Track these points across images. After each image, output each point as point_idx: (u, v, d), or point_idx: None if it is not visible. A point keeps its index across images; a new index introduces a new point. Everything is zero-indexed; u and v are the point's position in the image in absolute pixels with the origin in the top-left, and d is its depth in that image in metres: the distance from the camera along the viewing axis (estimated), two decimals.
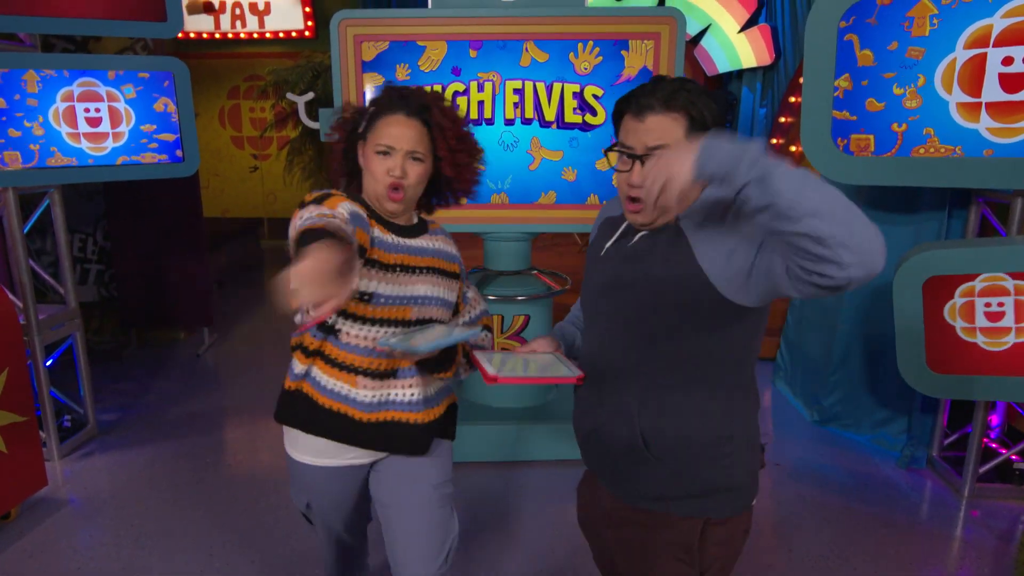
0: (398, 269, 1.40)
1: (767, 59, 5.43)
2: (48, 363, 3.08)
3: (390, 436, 1.45)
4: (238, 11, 7.48)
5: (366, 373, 1.40)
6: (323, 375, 1.43)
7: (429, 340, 1.28)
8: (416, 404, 1.46)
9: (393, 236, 1.43)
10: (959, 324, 2.47)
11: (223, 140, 8.18)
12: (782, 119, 5.53)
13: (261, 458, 3.10)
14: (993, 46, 2.27)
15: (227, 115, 8.12)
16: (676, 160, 0.99)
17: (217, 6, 7.46)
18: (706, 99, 1.16)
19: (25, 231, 2.87)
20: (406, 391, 1.45)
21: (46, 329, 2.96)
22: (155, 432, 3.33)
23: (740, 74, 5.71)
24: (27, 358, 2.66)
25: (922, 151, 2.45)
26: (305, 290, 0.91)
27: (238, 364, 4.39)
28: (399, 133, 1.39)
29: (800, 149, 5.56)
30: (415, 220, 1.53)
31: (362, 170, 1.46)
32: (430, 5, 2.82)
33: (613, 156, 1.23)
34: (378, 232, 1.39)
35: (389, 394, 1.43)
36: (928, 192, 2.90)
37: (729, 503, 1.24)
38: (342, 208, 1.28)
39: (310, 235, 1.05)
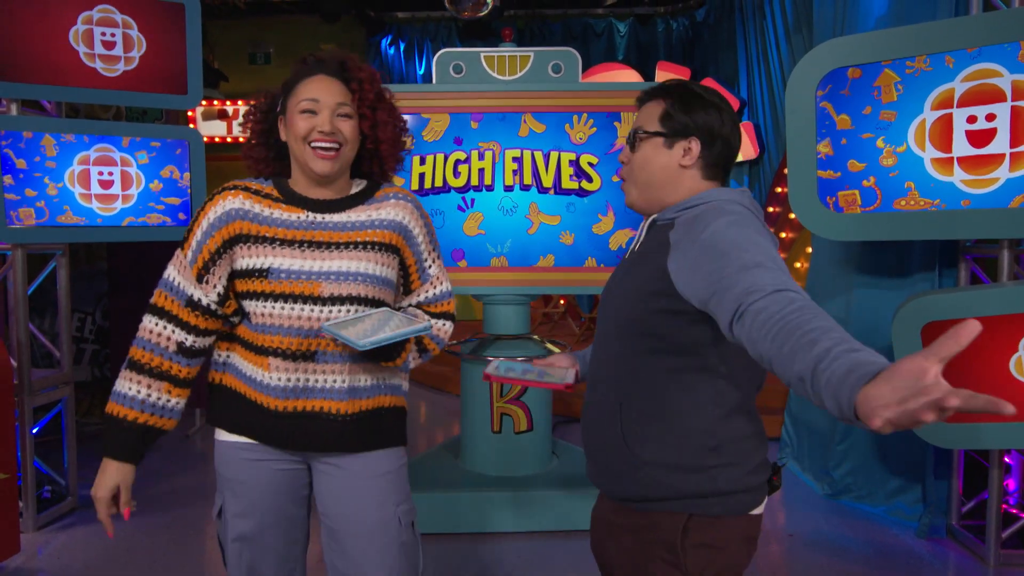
0: (304, 245, 1.32)
1: (752, 154, 5.73)
2: (35, 430, 2.99)
3: (306, 430, 1.33)
4: None
5: (276, 353, 1.31)
6: (241, 360, 1.36)
7: (370, 335, 1.21)
8: (339, 392, 1.34)
9: (308, 214, 1.35)
10: None
11: None
12: (770, 209, 5.75)
13: None
14: (957, 107, 2.44)
15: None
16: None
17: (231, 113, 7.92)
18: (702, 90, 1.25)
19: (29, 292, 2.90)
20: (327, 376, 1.33)
21: (37, 392, 2.91)
22: (137, 506, 3.16)
23: None
24: (15, 419, 2.60)
25: (904, 203, 2.55)
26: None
27: None
28: (322, 87, 1.32)
29: (790, 236, 5.74)
30: (352, 190, 1.41)
31: (288, 148, 1.37)
32: (434, 80, 3.02)
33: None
34: (279, 212, 1.33)
35: (307, 380, 1.32)
36: (918, 253, 2.98)
37: (717, 504, 1.17)
38: (199, 234, 1.32)
39: (112, 430, 1.32)
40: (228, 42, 7.69)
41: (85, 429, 4.23)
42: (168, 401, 1.33)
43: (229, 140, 7.97)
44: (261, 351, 1.32)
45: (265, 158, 1.41)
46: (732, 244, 1.05)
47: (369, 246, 1.36)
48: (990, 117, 2.37)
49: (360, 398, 1.36)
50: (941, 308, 2.41)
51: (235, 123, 7.96)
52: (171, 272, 1.35)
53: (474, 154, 2.98)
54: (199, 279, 1.32)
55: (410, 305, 1.48)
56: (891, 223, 2.58)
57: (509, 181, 3.00)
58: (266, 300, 1.30)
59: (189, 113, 7.74)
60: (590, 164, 2.98)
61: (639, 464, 1.20)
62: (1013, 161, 2.37)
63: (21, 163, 2.73)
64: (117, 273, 4.32)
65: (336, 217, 1.36)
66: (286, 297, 1.30)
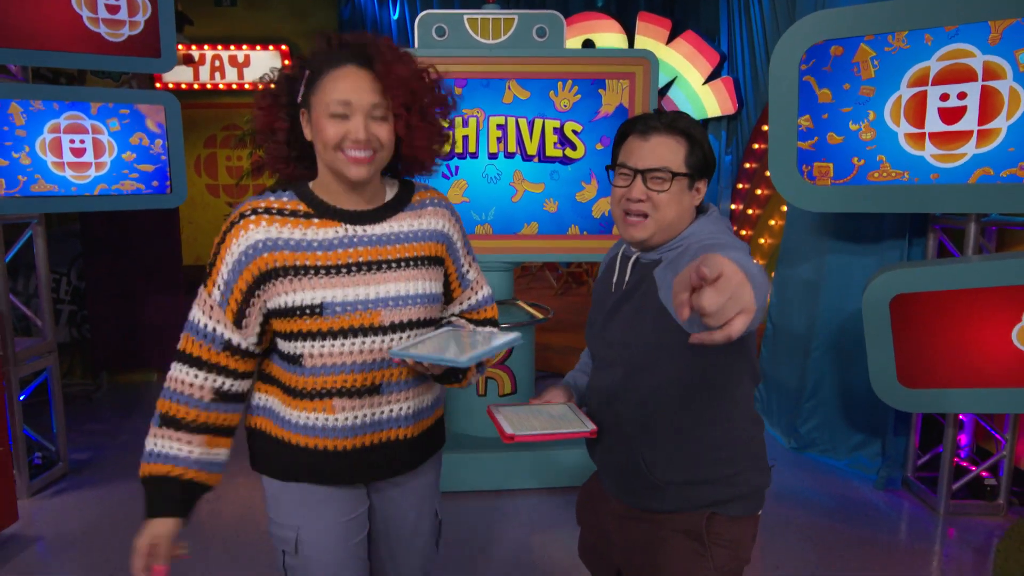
0: (353, 269, 1.19)
1: (731, 109, 5.74)
2: (21, 397, 3.00)
3: (373, 462, 1.28)
4: (217, 63, 7.64)
5: (340, 394, 1.21)
6: (288, 409, 1.24)
7: (459, 352, 1.14)
8: (406, 419, 1.29)
9: (346, 227, 1.21)
10: None
11: (198, 188, 8.19)
12: (747, 165, 5.80)
13: (240, 493, 3.03)
14: (931, 84, 2.50)
15: (203, 164, 8.16)
16: (749, 297, 0.84)
17: (197, 59, 7.61)
18: (703, 128, 1.28)
19: (6, 261, 2.85)
20: (394, 406, 1.27)
21: (21, 362, 2.91)
22: (128, 470, 3.24)
23: (706, 123, 6.00)
24: (3, 389, 2.61)
25: (876, 175, 2.63)
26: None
27: None
28: (353, 86, 1.13)
29: (765, 192, 5.83)
30: (388, 197, 1.27)
31: (312, 147, 1.21)
32: (416, 46, 2.96)
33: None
34: (314, 232, 1.19)
35: (374, 414, 1.25)
36: (889, 222, 3.08)
37: (735, 506, 1.28)
38: (224, 271, 1.18)
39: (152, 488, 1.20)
40: None
41: (67, 390, 4.24)
42: (214, 455, 1.22)
43: (196, 87, 7.68)
44: (322, 395, 1.22)
45: (287, 157, 1.24)
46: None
47: (418, 262, 1.26)
48: (962, 95, 2.44)
49: (423, 419, 1.34)
50: (909, 281, 2.52)
51: (201, 68, 7.67)
52: (198, 315, 1.21)
53: (458, 121, 2.95)
54: (237, 323, 1.19)
55: (452, 315, 1.40)
56: (864, 196, 2.66)
57: (493, 148, 2.99)
58: (323, 339, 1.18)
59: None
60: (574, 132, 2.98)
61: (662, 484, 1.27)
62: (980, 138, 2.45)
63: None
64: (92, 235, 4.24)
65: (377, 229, 1.23)
66: (345, 332, 1.19)
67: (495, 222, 3.03)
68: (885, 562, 2.52)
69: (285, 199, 1.21)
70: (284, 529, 1.28)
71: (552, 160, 3.00)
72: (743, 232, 5.57)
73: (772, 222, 5.51)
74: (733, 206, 5.89)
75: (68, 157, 2.85)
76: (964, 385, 2.53)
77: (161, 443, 1.20)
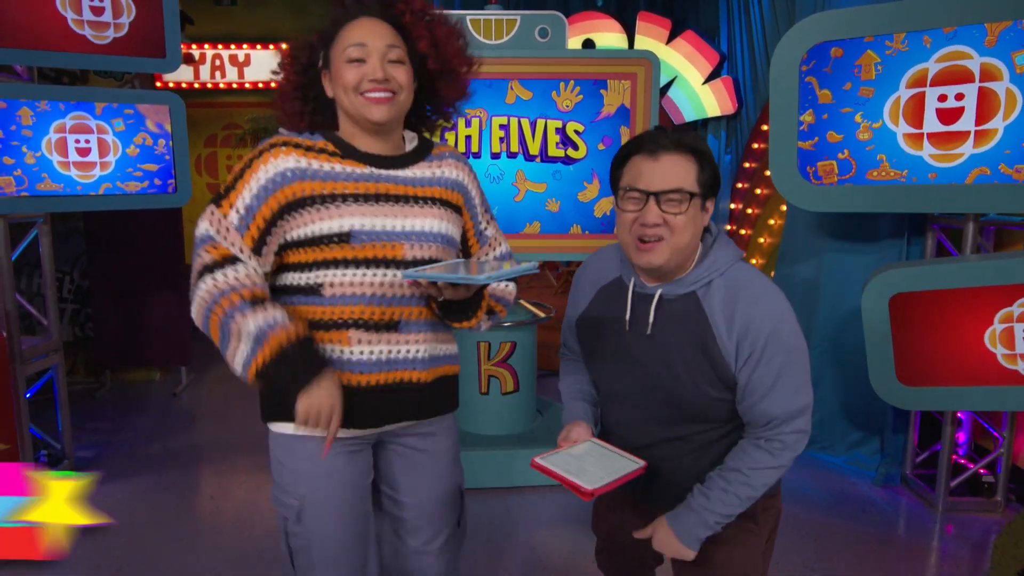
0: (381, 199, 1.23)
1: (730, 108, 5.76)
2: (27, 395, 3.02)
3: (395, 401, 1.27)
4: (218, 62, 7.64)
5: (358, 325, 1.22)
6: None
7: (484, 270, 1.15)
8: (422, 362, 1.29)
9: (370, 169, 1.25)
10: (1000, 351, 2.49)
11: (199, 188, 8.18)
12: (746, 164, 5.82)
13: (243, 492, 3.05)
14: (930, 85, 2.53)
15: (204, 163, 8.18)
16: (678, 550, 1.26)
17: (197, 58, 7.62)
18: (706, 143, 1.28)
19: (12, 259, 2.87)
20: (411, 347, 1.27)
21: (28, 360, 2.93)
22: (134, 468, 3.26)
23: (705, 123, 6.03)
24: (10, 389, 2.63)
25: (875, 174, 2.66)
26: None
27: (216, 403, 4.33)
28: (367, 30, 1.20)
29: (764, 192, 5.86)
30: (409, 147, 1.32)
31: (334, 103, 1.27)
32: None
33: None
34: (340, 167, 1.23)
35: (391, 351, 1.25)
36: (887, 221, 3.11)
37: (773, 484, 1.33)
38: (246, 195, 1.17)
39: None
40: None
41: (70, 389, 4.25)
42: (283, 316, 1.18)
43: (196, 86, 7.69)
44: (339, 325, 1.22)
45: (300, 112, 1.28)
46: (797, 367, 1.23)
47: (439, 203, 1.29)
48: (959, 96, 2.47)
49: (438, 366, 1.34)
50: (908, 280, 2.55)
51: (201, 68, 7.68)
52: (212, 232, 1.18)
53: (460, 121, 2.98)
54: (256, 250, 1.19)
55: None
56: (863, 196, 2.69)
57: (496, 148, 3.02)
58: (346, 267, 1.20)
59: None
60: (576, 132, 3.01)
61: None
62: (977, 138, 2.48)
63: None
64: (95, 234, 4.26)
65: (401, 173, 1.27)
66: (368, 262, 1.20)
67: (497, 221, 3.04)
68: (883, 558, 2.55)
69: (312, 139, 1.25)
70: (288, 496, 1.29)
71: (554, 160, 3.03)
72: (742, 231, 5.60)
73: (771, 221, 5.53)
74: (732, 205, 5.91)
75: (73, 157, 2.87)
76: (962, 383, 2.56)
77: (240, 334, 1.14)
